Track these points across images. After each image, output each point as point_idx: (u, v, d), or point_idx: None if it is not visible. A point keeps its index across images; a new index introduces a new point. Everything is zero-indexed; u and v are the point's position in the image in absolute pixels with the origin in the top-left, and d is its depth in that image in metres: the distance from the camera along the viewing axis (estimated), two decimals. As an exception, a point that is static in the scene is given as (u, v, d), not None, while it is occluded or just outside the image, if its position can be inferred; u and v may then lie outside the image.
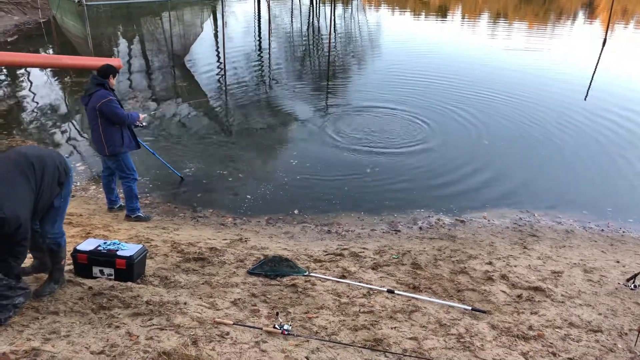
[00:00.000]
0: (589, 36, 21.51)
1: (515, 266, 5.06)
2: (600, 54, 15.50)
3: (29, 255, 4.09)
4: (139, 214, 6.12)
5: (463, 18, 27.95)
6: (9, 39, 16.18)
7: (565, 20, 27.45)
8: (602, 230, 6.40)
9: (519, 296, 4.42)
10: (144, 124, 6.16)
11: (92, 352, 3.01)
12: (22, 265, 3.99)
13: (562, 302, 4.36)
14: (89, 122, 5.77)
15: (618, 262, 5.34)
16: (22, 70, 12.93)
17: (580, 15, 30.19)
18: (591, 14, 30.78)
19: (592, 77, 13.41)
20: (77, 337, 3.14)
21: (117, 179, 6.16)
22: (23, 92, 11.45)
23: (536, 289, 4.56)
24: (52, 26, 17.33)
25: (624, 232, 6.37)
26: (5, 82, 12.19)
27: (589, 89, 12.53)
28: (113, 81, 5.74)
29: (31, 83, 12.20)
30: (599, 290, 4.62)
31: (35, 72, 12.85)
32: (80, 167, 7.60)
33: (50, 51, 15.18)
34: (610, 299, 4.46)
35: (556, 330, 3.88)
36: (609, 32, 17.45)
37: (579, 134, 9.57)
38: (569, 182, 7.71)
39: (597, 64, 14.49)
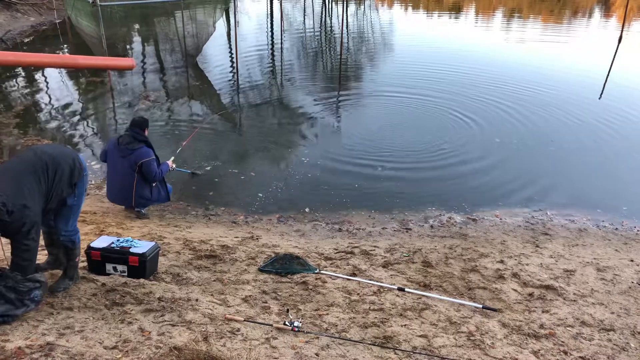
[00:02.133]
0: (604, 33, 21.23)
1: (527, 264, 5.03)
2: (616, 52, 15.30)
3: (45, 252, 4.17)
4: (142, 210, 6.23)
5: (477, 15, 27.75)
6: (26, 40, 16.41)
7: (581, 17, 27.13)
8: (616, 229, 6.33)
9: (531, 294, 4.40)
10: (173, 167, 6.34)
11: (105, 347, 3.06)
12: (39, 262, 4.07)
13: (575, 300, 4.33)
14: (115, 170, 5.83)
15: (632, 260, 5.28)
16: (37, 70, 13.11)
17: (596, 12, 29.81)
18: (607, 11, 30.38)
19: (608, 75, 13.24)
20: (90, 332, 3.20)
21: None
22: (38, 92, 11.61)
23: (548, 287, 4.53)
24: (67, 27, 17.56)
25: (638, 230, 6.30)
26: (21, 82, 12.37)
27: (604, 87, 12.38)
28: (147, 132, 5.94)
29: (46, 83, 12.37)
30: (612, 289, 4.58)
31: (50, 72, 13.02)
32: (95, 166, 7.70)
33: (66, 51, 15.36)
34: (623, 297, 4.42)
35: (568, 328, 3.85)
36: (624, 29, 17.19)
37: (593, 133, 9.46)
38: (582, 181, 7.64)
39: (612, 62, 14.30)
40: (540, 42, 18.26)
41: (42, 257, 4.34)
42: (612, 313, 4.13)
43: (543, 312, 4.11)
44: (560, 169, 7.98)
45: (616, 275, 4.87)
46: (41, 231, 3.51)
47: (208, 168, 7.75)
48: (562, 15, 28.01)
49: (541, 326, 3.86)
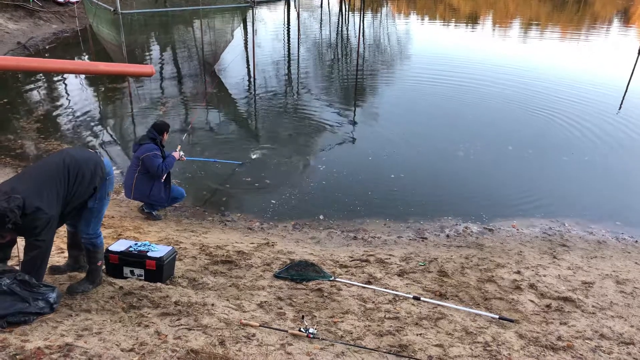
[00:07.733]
0: (624, 44, 21.00)
1: (544, 276, 4.98)
2: (636, 63, 15.10)
3: (64, 254, 4.22)
4: (152, 212, 6.42)
5: (494, 25, 27.63)
6: (48, 47, 16.72)
7: (600, 27, 26.87)
8: (637, 241, 6.24)
9: (548, 306, 4.35)
10: (184, 158, 6.52)
11: (122, 349, 3.09)
12: (59, 264, 4.14)
13: (593, 313, 4.27)
14: (130, 165, 6.22)
15: (652, 274, 5.19)
16: (58, 76, 13.34)
17: (615, 23, 29.51)
18: (626, 21, 30.07)
19: (627, 86, 13.08)
20: (108, 335, 3.23)
21: None
22: (59, 98, 11.81)
23: (566, 299, 4.48)
24: (89, 34, 17.81)
25: (659, 243, 6.20)
26: (43, 88, 12.59)
27: (623, 98, 12.23)
28: (166, 137, 6.24)
29: (67, 89, 12.58)
30: (631, 302, 4.50)
31: (70, 78, 13.25)
32: (115, 171, 7.78)
33: (86, 58, 15.62)
34: (643, 311, 4.35)
35: (586, 341, 3.80)
36: (645, 39, 17.00)
37: (613, 145, 9.35)
38: (601, 193, 7.54)
39: (632, 73, 14.12)
40: (558, 52, 18.12)
41: (63, 259, 4.40)
42: (632, 326, 4.06)
43: (561, 324, 4.06)
44: (578, 180, 7.90)
45: (636, 288, 4.80)
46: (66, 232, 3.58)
47: (223, 174, 7.80)
48: (580, 25, 27.77)
49: (559, 338, 3.81)
